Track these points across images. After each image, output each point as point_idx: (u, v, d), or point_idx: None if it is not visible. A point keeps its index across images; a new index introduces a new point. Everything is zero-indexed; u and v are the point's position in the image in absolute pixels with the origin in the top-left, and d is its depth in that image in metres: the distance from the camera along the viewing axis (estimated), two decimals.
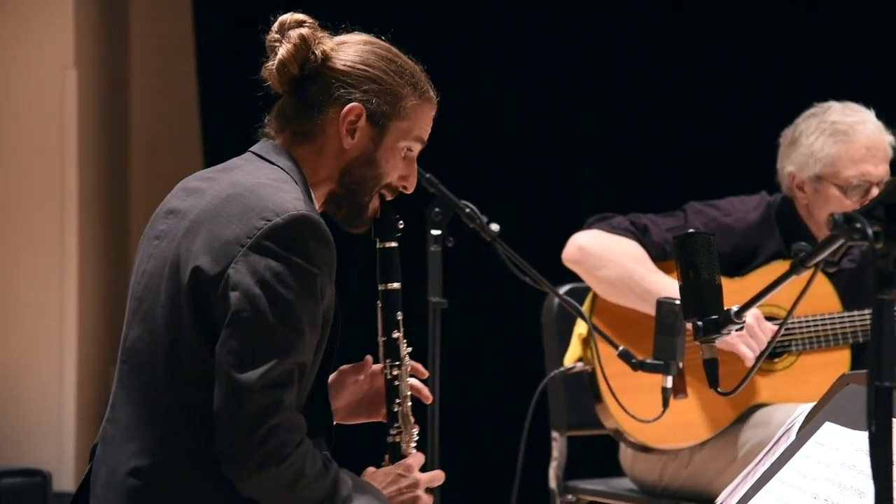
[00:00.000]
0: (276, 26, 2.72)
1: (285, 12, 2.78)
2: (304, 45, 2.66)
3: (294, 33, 2.68)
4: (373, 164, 2.69)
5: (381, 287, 2.80)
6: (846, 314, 4.04)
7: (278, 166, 2.64)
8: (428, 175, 3.72)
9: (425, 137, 2.77)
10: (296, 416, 2.51)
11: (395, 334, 2.80)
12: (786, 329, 4.03)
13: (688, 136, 5.69)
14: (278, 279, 2.48)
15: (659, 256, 4.04)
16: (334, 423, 2.84)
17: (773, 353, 4.05)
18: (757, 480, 2.48)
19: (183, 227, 2.58)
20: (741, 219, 4.08)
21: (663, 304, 3.40)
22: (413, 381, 2.85)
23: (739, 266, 4.05)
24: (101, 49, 5.71)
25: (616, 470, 4.28)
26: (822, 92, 4.21)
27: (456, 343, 5.42)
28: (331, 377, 2.85)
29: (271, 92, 2.76)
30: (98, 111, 5.70)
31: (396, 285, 2.80)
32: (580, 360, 4.02)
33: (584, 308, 4.01)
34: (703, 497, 4.00)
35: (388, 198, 2.76)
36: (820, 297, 4.05)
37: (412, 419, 2.81)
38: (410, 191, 2.78)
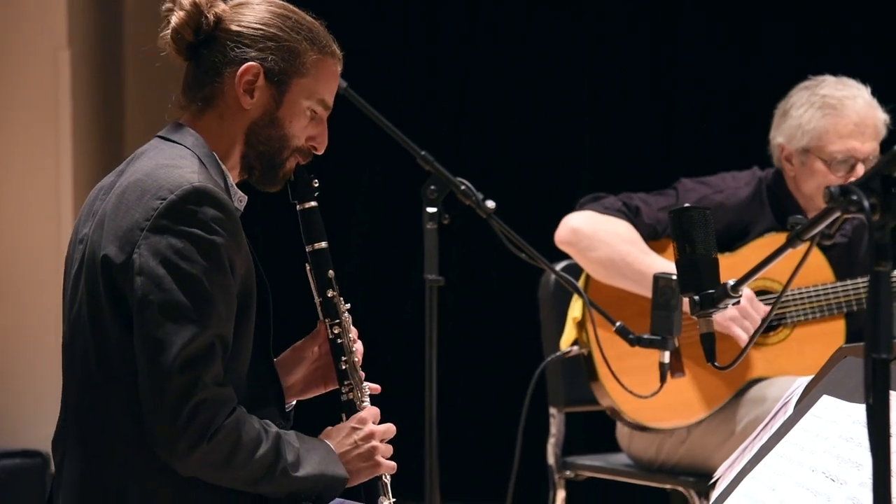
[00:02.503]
0: None
1: None
2: (196, 10, 2.63)
3: (186, 0, 2.65)
4: (276, 123, 2.65)
5: (308, 248, 2.76)
6: (839, 284, 4.04)
7: (181, 144, 2.61)
8: (423, 152, 3.72)
9: (330, 97, 2.71)
10: (221, 390, 2.48)
11: (330, 293, 2.76)
12: (781, 302, 4.02)
13: (683, 112, 5.68)
14: (180, 255, 2.46)
15: (650, 236, 4.03)
16: (292, 400, 2.82)
17: (769, 326, 4.05)
18: (755, 454, 2.48)
19: (95, 224, 2.57)
20: (732, 195, 4.07)
21: (660, 279, 3.40)
22: (358, 345, 2.81)
23: (731, 242, 4.05)
24: (94, 29, 5.70)
25: (613, 446, 4.29)
26: (819, 69, 4.20)
27: (453, 320, 5.43)
28: (285, 354, 2.83)
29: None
30: (92, 92, 5.69)
31: (323, 244, 2.76)
32: (575, 342, 4.02)
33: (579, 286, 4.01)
34: (700, 472, 4.01)
35: (302, 162, 2.72)
36: (813, 269, 4.05)
37: (361, 374, 2.77)
38: (321, 151, 2.73)
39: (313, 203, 2.76)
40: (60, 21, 5.50)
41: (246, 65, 2.63)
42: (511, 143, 5.76)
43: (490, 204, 3.64)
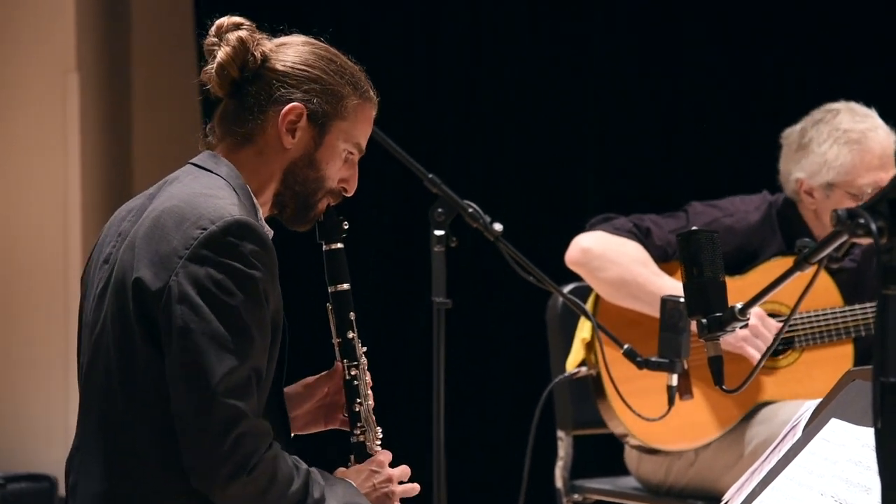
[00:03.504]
0: (213, 30, 2.72)
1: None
2: (242, 47, 2.66)
3: (232, 36, 2.67)
4: (314, 164, 2.68)
5: (330, 289, 2.78)
6: (847, 308, 4.04)
7: (216, 174, 2.63)
8: (431, 175, 3.72)
9: (365, 141, 2.76)
10: (261, 423, 2.50)
11: (350, 335, 2.78)
12: (789, 326, 4.03)
13: (690, 134, 5.68)
14: (219, 287, 2.47)
15: (661, 258, 4.04)
16: (291, 433, 2.83)
17: (777, 350, 4.05)
18: (763, 478, 2.48)
19: (125, 246, 2.57)
20: (742, 219, 4.08)
21: (668, 302, 3.40)
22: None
23: (741, 266, 4.05)
24: (102, 52, 5.71)
25: (622, 469, 4.28)
26: (823, 88, 4.21)
27: (460, 343, 5.42)
28: (294, 387, 2.84)
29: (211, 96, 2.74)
30: (100, 114, 5.71)
31: (346, 286, 2.78)
32: (583, 363, 4.02)
33: (587, 309, 4.01)
34: (709, 495, 4.00)
35: (332, 203, 2.76)
36: (821, 292, 4.05)
37: (373, 418, 2.79)
38: (350, 193, 2.77)
39: (340, 245, 2.79)
40: (69, 44, 5.52)
41: (291, 105, 2.65)
42: (517, 166, 5.77)
43: (498, 227, 3.64)
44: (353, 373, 2.79)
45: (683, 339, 3.37)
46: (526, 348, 5.46)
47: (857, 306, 4.04)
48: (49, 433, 5.27)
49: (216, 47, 2.68)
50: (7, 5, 5.56)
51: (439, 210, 3.70)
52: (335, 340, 2.80)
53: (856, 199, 3.98)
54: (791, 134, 4.10)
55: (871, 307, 4.03)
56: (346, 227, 2.79)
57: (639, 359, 3.48)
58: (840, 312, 4.04)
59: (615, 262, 3.99)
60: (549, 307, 4.33)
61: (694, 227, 2.61)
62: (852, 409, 2.41)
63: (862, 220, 1.88)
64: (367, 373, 2.81)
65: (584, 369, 4.02)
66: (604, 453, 4.70)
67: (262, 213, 2.68)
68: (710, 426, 4.02)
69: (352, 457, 2.78)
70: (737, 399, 3.98)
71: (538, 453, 4.03)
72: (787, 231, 4.09)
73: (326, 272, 2.79)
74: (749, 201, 4.14)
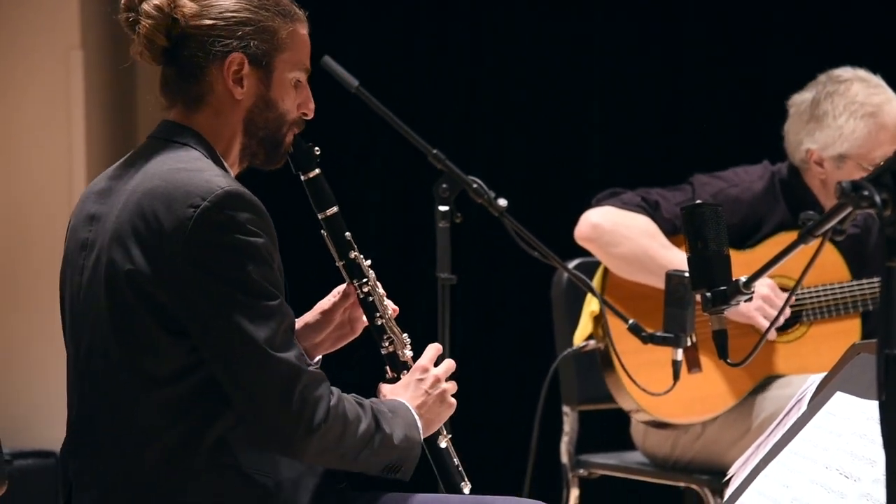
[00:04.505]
0: (124, 2, 2.66)
1: None
2: (162, 14, 2.60)
3: (148, 6, 2.61)
4: (270, 105, 2.65)
5: (320, 216, 2.77)
6: (855, 282, 4.04)
7: (185, 144, 2.61)
8: (435, 151, 3.71)
9: (308, 60, 2.71)
10: (315, 372, 2.53)
11: (352, 254, 2.78)
12: (796, 299, 4.03)
13: (691, 108, 5.67)
14: (230, 264, 2.46)
15: (670, 231, 4.03)
16: (319, 355, 2.86)
17: (785, 324, 4.05)
18: (768, 451, 2.48)
19: (109, 232, 2.54)
20: (747, 189, 4.08)
21: (672, 277, 3.40)
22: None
23: (746, 236, 4.05)
24: (106, 30, 5.70)
25: (627, 444, 4.28)
26: (822, 61, 4.19)
27: (466, 319, 5.42)
28: (313, 316, 2.85)
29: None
30: (104, 92, 5.70)
31: (334, 209, 2.77)
32: (591, 337, 4.02)
33: (595, 284, 4.01)
34: (715, 469, 4.00)
35: (296, 131, 2.73)
36: (828, 266, 4.05)
37: (397, 327, 2.80)
38: (311, 115, 2.73)
39: (317, 171, 2.77)
40: (73, 21, 5.50)
41: (230, 56, 2.61)
42: (521, 140, 5.76)
43: (502, 202, 3.63)
44: (365, 290, 2.79)
45: (689, 313, 3.37)
46: (531, 324, 5.46)
47: (864, 280, 4.04)
48: (55, 410, 5.26)
49: (135, 23, 2.64)
50: None
51: (444, 185, 3.69)
52: (339, 264, 2.79)
53: (866, 171, 3.98)
54: (801, 103, 4.09)
55: (878, 281, 4.03)
56: (318, 152, 2.76)
57: (644, 333, 3.48)
58: (847, 287, 4.04)
59: (626, 236, 3.99)
60: (553, 282, 4.32)
61: (698, 201, 2.61)
62: (857, 382, 2.40)
63: (866, 193, 1.87)
64: (378, 283, 2.81)
65: (592, 342, 4.02)
66: (609, 428, 4.70)
67: (233, 173, 2.66)
68: (718, 399, 4.02)
69: (387, 368, 2.79)
70: (745, 372, 3.98)
71: (544, 429, 4.03)
72: (791, 200, 4.08)
73: (312, 201, 2.78)
74: (752, 171, 4.14)
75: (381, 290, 2.81)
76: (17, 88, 5.56)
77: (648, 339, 3.46)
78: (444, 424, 2.77)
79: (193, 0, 2.62)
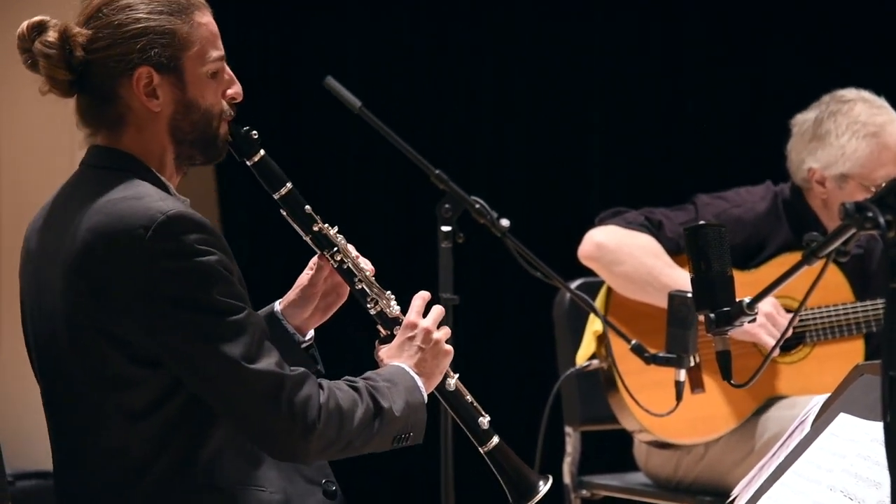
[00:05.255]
0: (18, 42, 2.58)
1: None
2: (58, 50, 2.54)
3: (40, 45, 2.54)
4: (192, 106, 2.59)
5: (276, 196, 2.73)
6: (859, 304, 4.04)
7: (117, 169, 2.57)
8: (438, 171, 3.72)
9: (219, 47, 2.62)
10: (298, 373, 2.50)
11: (316, 227, 2.73)
12: (800, 320, 4.03)
13: (693, 128, 5.68)
14: (188, 290, 2.45)
15: (673, 250, 4.03)
16: (310, 329, 2.83)
17: (788, 344, 4.05)
18: (772, 473, 2.47)
19: (59, 276, 2.51)
20: (750, 209, 4.08)
21: (675, 297, 3.40)
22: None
23: (749, 256, 4.05)
24: None
25: (630, 464, 4.27)
26: (825, 80, 4.20)
27: (468, 339, 5.41)
28: (294, 294, 2.83)
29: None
30: None
31: (288, 187, 2.73)
32: (594, 357, 4.01)
33: (599, 303, 4.01)
34: (718, 490, 3.99)
35: (229, 120, 2.66)
36: (832, 288, 4.04)
37: (377, 285, 2.76)
38: (241, 98, 2.65)
39: (261, 153, 2.71)
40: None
41: (136, 72, 2.55)
42: (523, 161, 5.76)
43: (505, 222, 3.63)
44: (337, 258, 2.75)
45: (691, 334, 3.36)
46: (533, 344, 5.46)
47: (868, 302, 4.04)
48: None
49: (34, 66, 2.57)
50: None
51: (446, 206, 3.69)
52: (305, 238, 2.75)
53: (868, 191, 3.98)
54: (804, 122, 4.09)
55: (881, 302, 4.03)
56: (256, 134, 2.69)
57: (646, 354, 3.47)
58: (851, 308, 4.04)
59: (630, 255, 3.99)
60: (556, 303, 4.32)
61: (702, 222, 2.61)
62: (861, 403, 2.40)
63: (870, 214, 1.87)
64: (349, 247, 2.78)
65: (595, 362, 4.01)
66: (612, 449, 4.69)
67: (173, 183, 2.62)
68: (722, 420, 4.01)
69: (379, 327, 2.77)
70: (748, 393, 3.98)
71: (546, 449, 4.02)
72: (794, 220, 4.08)
73: (263, 184, 2.73)
74: (754, 192, 4.14)
75: (353, 254, 2.78)
76: (18, 100, 5.53)
77: (651, 360, 3.45)
78: (450, 365, 2.74)
79: (85, 26, 2.56)
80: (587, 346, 4.06)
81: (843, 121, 4.01)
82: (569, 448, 4.25)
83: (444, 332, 2.73)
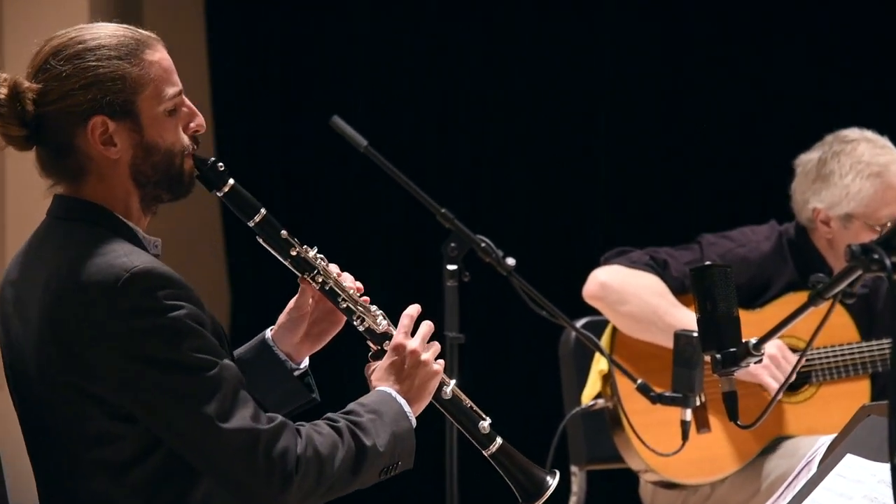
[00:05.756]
0: None
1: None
2: (7, 107, 2.51)
3: None
4: (152, 149, 2.55)
5: (251, 224, 2.69)
6: (864, 344, 4.04)
7: (81, 220, 2.55)
8: (444, 210, 3.73)
9: (174, 83, 2.58)
10: (272, 423, 2.48)
11: (294, 251, 2.70)
12: (806, 360, 4.02)
13: (700, 168, 5.69)
14: (158, 349, 2.43)
15: (678, 290, 4.03)
16: (305, 357, 2.81)
17: (794, 384, 4.04)
18: None
19: (32, 339, 2.50)
20: (755, 249, 4.08)
21: (681, 337, 3.40)
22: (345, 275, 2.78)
23: (754, 296, 4.05)
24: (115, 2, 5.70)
25: None
26: (830, 117, 4.21)
27: (474, 378, 5.41)
28: (282, 321, 2.80)
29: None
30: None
31: (261, 214, 2.68)
32: (599, 396, 4.01)
33: (604, 342, 4.01)
34: None
35: (194, 152, 2.61)
36: (837, 328, 4.04)
37: (363, 302, 2.73)
38: (203, 129, 2.61)
39: (231, 182, 2.67)
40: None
41: (90, 122, 2.51)
42: (529, 200, 5.77)
43: (510, 261, 3.64)
44: (318, 280, 2.72)
45: (697, 374, 3.36)
46: (539, 382, 5.45)
47: (873, 342, 4.04)
48: None
49: None
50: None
51: (452, 244, 3.70)
52: (286, 263, 2.72)
53: (873, 231, 3.99)
54: (808, 162, 4.10)
55: (887, 343, 4.02)
56: (222, 166, 2.64)
57: (652, 393, 3.47)
58: (857, 348, 4.04)
59: (634, 295, 3.99)
60: (561, 342, 4.32)
61: (708, 262, 2.61)
62: (867, 444, 2.39)
63: (876, 256, 1.88)
64: (330, 265, 2.74)
65: (600, 401, 4.01)
66: (618, 488, 4.68)
67: (142, 225, 2.60)
68: (727, 460, 4.00)
69: (369, 343, 2.74)
70: (754, 433, 3.97)
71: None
72: (799, 260, 4.09)
73: (237, 213, 2.70)
74: (759, 231, 4.14)
75: (335, 273, 2.74)
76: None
77: (657, 399, 3.45)
78: (446, 371, 2.72)
79: (34, 79, 2.53)
80: (592, 386, 4.05)
81: (847, 161, 4.02)
82: (574, 487, 4.24)
83: (433, 351, 2.70)
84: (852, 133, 4.09)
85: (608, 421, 4.04)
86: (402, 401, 2.64)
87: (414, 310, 2.74)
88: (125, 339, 2.43)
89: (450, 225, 3.72)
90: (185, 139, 2.60)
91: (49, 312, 2.48)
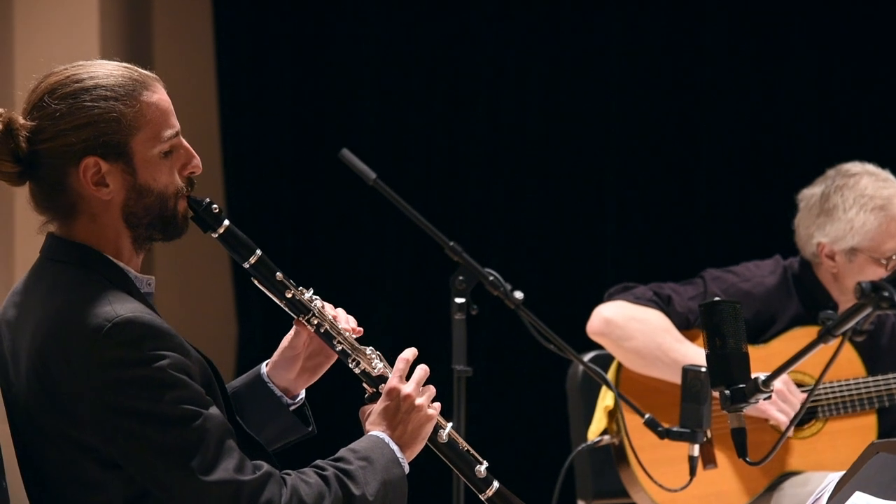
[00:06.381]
0: None
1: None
2: (1, 143, 2.50)
3: None
4: (145, 191, 2.54)
5: (246, 266, 2.68)
6: (871, 379, 4.04)
7: (71, 263, 2.53)
8: (452, 243, 3.73)
9: (170, 126, 2.56)
10: (256, 473, 2.46)
11: (289, 293, 2.68)
12: (814, 395, 4.01)
13: (709, 200, 5.70)
14: (141, 400, 2.42)
15: (683, 326, 4.03)
16: (301, 391, 2.79)
17: (800, 420, 4.03)
18: None
19: (23, 384, 2.49)
20: (759, 283, 4.08)
21: (689, 372, 3.39)
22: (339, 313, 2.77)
23: (759, 331, 4.05)
24: (124, 46, 5.71)
25: None
26: (835, 150, 4.22)
27: (481, 411, 5.41)
28: (276, 358, 2.79)
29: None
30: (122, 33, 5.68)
31: (256, 255, 2.66)
32: (605, 432, 4.00)
33: (610, 377, 4.00)
34: None
35: (188, 194, 2.60)
36: (844, 363, 4.04)
37: (358, 345, 2.72)
38: (199, 170, 2.59)
39: (226, 223, 2.65)
40: (92, 37, 5.45)
41: (83, 163, 2.50)
42: (537, 234, 5.77)
43: (518, 295, 3.64)
44: (314, 322, 2.71)
45: (705, 409, 3.36)
46: (546, 417, 5.45)
47: (879, 377, 4.04)
48: None
49: None
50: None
51: (460, 278, 3.70)
52: (281, 304, 2.71)
53: (878, 264, 3.99)
54: (811, 197, 4.11)
55: (893, 378, 4.03)
56: (217, 207, 2.62)
57: (660, 429, 3.47)
58: (863, 383, 4.04)
59: (639, 330, 3.99)
60: (569, 376, 4.32)
61: (717, 298, 2.61)
62: (876, 481, 2.39)
63: (886, 293, 1.88)
64: (325, 306, 2.73)
65: (606, 438, 4.00)
66: None
67: (134, 265, 2.58)
68: (734, 496, 3.99)
69: (364, 385, 2.72)
70: (761, 469, 3.96)
71: None
72: (804, 295, 4.09)
73: (233, 255, 2.68)
74: (763, 266, 4.15)
75: (330, 315, 2.73)
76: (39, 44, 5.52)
77: (665, 435, 3.44)
78: (441, 414, 2.69)
79: (28, 116, 2.52)
80: (598, 422, 4.05)
81: (850, 195, 4.03)
82: None
83: (428, 395, 2.69)
84: (854, 167, 4.10)
85: (614, 456, 4.03)
86: (395, 447, 2.62)
87: (410, 353, 2.72)
88: (107, 390, 2.42)
89: (458, 258, 3.72)
90: (179, 181, 2.58)
91: (36, 360, 2.47)
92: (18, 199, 5.18)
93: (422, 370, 2.71)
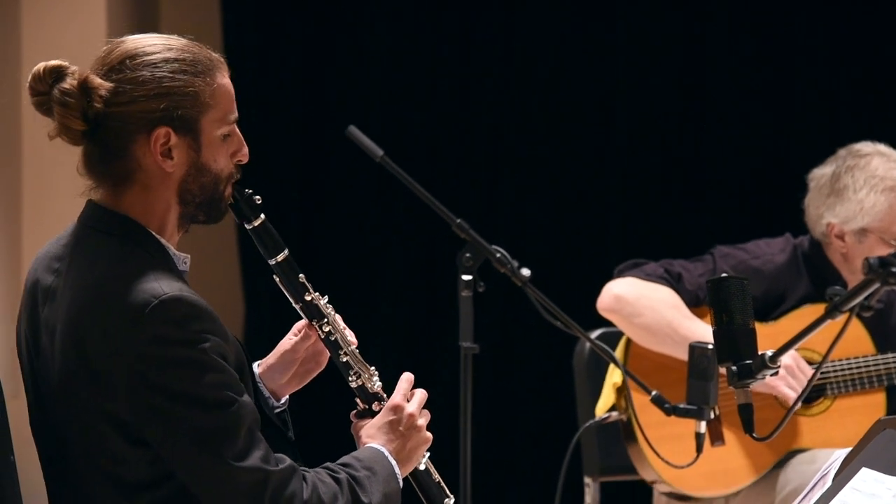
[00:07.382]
0: (32, 81, 2.49)
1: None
2: (74, 99, 2.47)
3: (57, 92, 2.47)
4: (204, 169, 2.54)
5: (271, 262, 2.68)
6: (880, 356, 4.03)
7: (114, 234, 2.51)
8: (459, 220, 3.73)
9: (234, 110, 2.58)
10: (280, 467, 2.48)
11: (308, 296, 2.69)
12: (821, 373, 4.01)
13: (718, 177, 5.69)
14: (180, 380, 2.42)
15: (692, 303, 4.03)
16: (287, 394, 2.80)
17: (809, 397, 4.03)
18: None
19: (58, 350, 2.48)
20: (769, 261, 4.08)
21: (696, 349, 3.40)
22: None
23: (769, 309, 4.05)
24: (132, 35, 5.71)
25: None
26: (846, 129, 4.21)
27: (488, 388, 5.41)
28: (275, 359, 2.80)
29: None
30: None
31: (284, 254, 2.67)
32: (613, 408, 4.01)
33: (618, 354, 4.01)
34: None
35: (235, 181, 2.62)
36: (853, 340, 4.04)
37: (361, 360, 2.73)
38: (246, 160, 2.61)
39: (262, 218, 2.66)
40: (99, 34, 5.46)
41: (156, 131, 2.49)
42: (544, 211, 5.77)
43: (525, 272, 3.64)
44: (325, 329, 2.72)
45: (712, 386, 3.36)
46: (553, 394, 5.45)
47: (889, 355, 4.03)
48: None
49: (47, 104, 2.49)
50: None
51: (467, 255, 3.70)
52: (296, 306, 2.72)
53: (888, 245, 3.99)
54: (822, 177, 4.09)
55: None
56: (259, 199, 2.64)
57: (667, 405, 3.47)
58: (872, 360, 4.03)
59: (649, 307, 3.99)
60: (576, 353, 4.32)
61: (724, 274, 2.61)
62: (883, 458, 2.39)
63: (894, 269, 1.87)
64: (337, 317, 2.75)
65: (614, 414, 4.00)
66: (631, 500, 4.67)
67: (173, 242, 2.58)
68: (741, 473, 3.99)
69: (357, 400, 2.74)
70: (769, 446, 3.96)
71: (566, 500, 4.01)
72: (813, 274, 4.08)
73: (261, 248, 2.69)
74: (774, 244, 4.14)
75: (340, 325, 2.75)
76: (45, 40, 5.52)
77: (672, 411, 3.45)
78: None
79: (107, 77, 2.50)
80: (606, 398, 4.05)
81: (861, 175, 4.02)
82: (588, 498, 4.23)
83: (426, 418, 2.72)
84: (865, 147, 4.08)
85: (622, 433, 4.04)
86: (394, 461, 2.64)
87: (411, 376, 2.74)
88: (147, 366, 2.41)
89: (465, 235, 3.72)
90: (232, 166, 2.60)
91: (75, 329, 2.46)
92: (25, 194, 5.19)
93: (421, 393, 2.73)
